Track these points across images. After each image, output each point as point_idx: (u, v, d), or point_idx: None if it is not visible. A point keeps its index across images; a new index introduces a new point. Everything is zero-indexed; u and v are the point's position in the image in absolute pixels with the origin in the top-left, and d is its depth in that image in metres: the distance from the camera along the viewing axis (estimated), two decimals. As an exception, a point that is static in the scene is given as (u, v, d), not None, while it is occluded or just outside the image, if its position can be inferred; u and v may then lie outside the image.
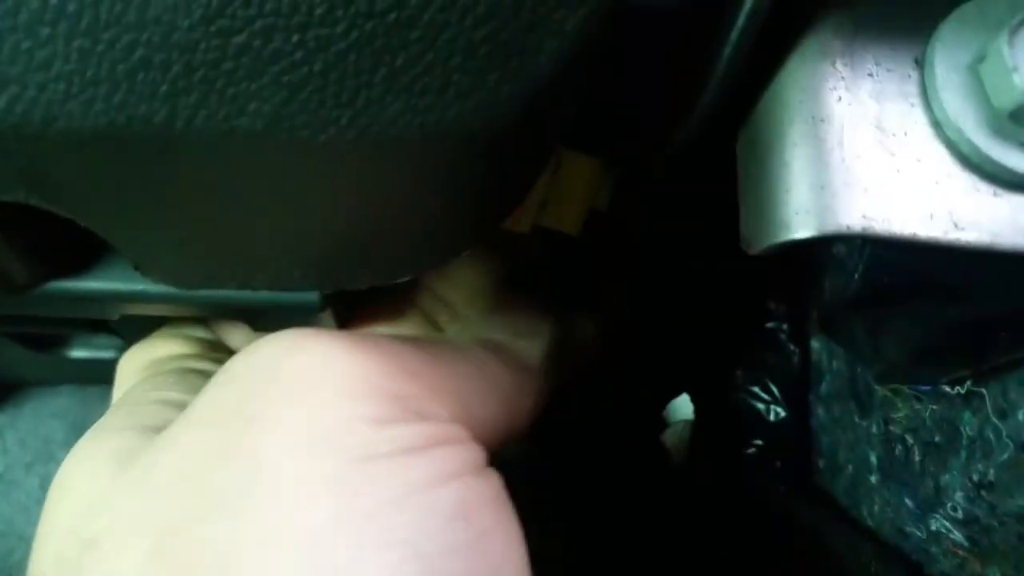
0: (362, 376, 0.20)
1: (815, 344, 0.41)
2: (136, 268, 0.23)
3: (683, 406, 0.44)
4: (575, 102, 0.21)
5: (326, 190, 0.20)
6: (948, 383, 0.30)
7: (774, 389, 0.42)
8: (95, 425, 0.26)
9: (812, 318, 0.41)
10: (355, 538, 0.18)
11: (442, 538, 0.19)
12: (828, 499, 0.39)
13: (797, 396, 0.41)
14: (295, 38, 0.18)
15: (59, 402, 0.73)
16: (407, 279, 0.23)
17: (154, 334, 0.34)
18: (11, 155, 0.19)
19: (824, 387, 0.40)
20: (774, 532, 0.38)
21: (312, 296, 0.25)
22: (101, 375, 0.74)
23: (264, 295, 0.25)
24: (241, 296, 0.25)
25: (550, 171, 0.29)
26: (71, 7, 0.17)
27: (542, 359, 0.29)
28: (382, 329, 0.31)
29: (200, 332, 0.33)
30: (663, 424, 0.43)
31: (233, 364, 0.22)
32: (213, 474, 0.19)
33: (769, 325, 0.43)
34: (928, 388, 0.31)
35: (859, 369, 0.35)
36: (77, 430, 0.73)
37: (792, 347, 0.42)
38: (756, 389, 0.42)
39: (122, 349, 0.61)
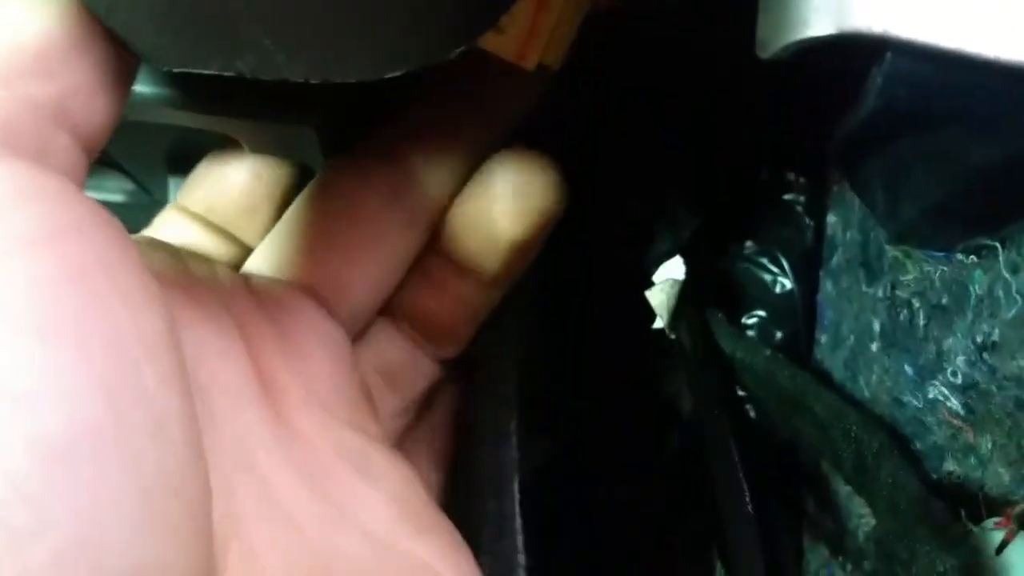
0: None
1: (832, 218, 0.40)
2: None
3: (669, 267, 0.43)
4: None
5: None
6: (962, 250, 0.29)
7: (784, 261, 0.40)
8: None
9: (831, 191, 0.40)
10: None
11: None
12: (823, 373, 0.38)
13: (807, 270, 0.40)
14: None
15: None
16: (398, 73, 0.22)
17: None
18: None
19: (835, 261, 0.39)
20: (753, 393, 0.38)
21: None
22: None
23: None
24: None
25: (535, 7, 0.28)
26: None
27: None
28: None
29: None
30: (648, 282, 0.42)
31: None
32: None
33: (786, 197, 0.41)
34: (942, 255, 0.30)
35: (872, 234, 0.33)
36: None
37: (808, 220, 0.40)
38: (765, 260, 0.41)
39: (132, 194, 0.60)
